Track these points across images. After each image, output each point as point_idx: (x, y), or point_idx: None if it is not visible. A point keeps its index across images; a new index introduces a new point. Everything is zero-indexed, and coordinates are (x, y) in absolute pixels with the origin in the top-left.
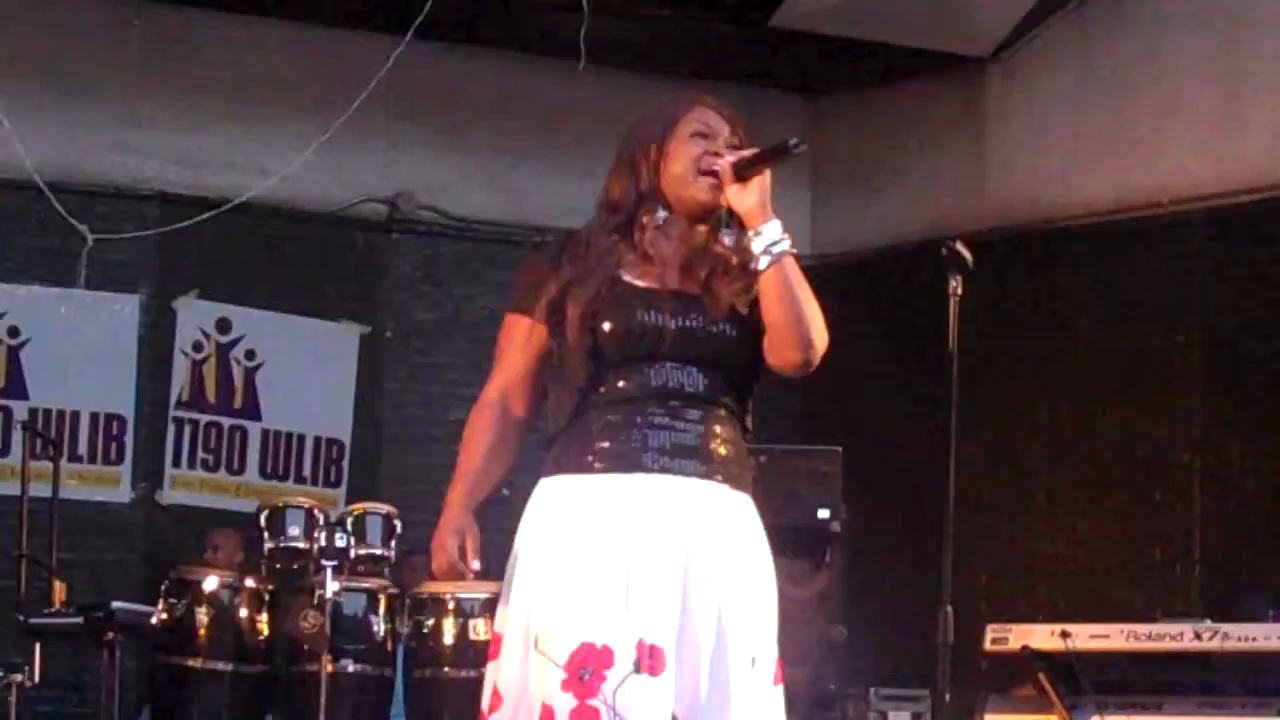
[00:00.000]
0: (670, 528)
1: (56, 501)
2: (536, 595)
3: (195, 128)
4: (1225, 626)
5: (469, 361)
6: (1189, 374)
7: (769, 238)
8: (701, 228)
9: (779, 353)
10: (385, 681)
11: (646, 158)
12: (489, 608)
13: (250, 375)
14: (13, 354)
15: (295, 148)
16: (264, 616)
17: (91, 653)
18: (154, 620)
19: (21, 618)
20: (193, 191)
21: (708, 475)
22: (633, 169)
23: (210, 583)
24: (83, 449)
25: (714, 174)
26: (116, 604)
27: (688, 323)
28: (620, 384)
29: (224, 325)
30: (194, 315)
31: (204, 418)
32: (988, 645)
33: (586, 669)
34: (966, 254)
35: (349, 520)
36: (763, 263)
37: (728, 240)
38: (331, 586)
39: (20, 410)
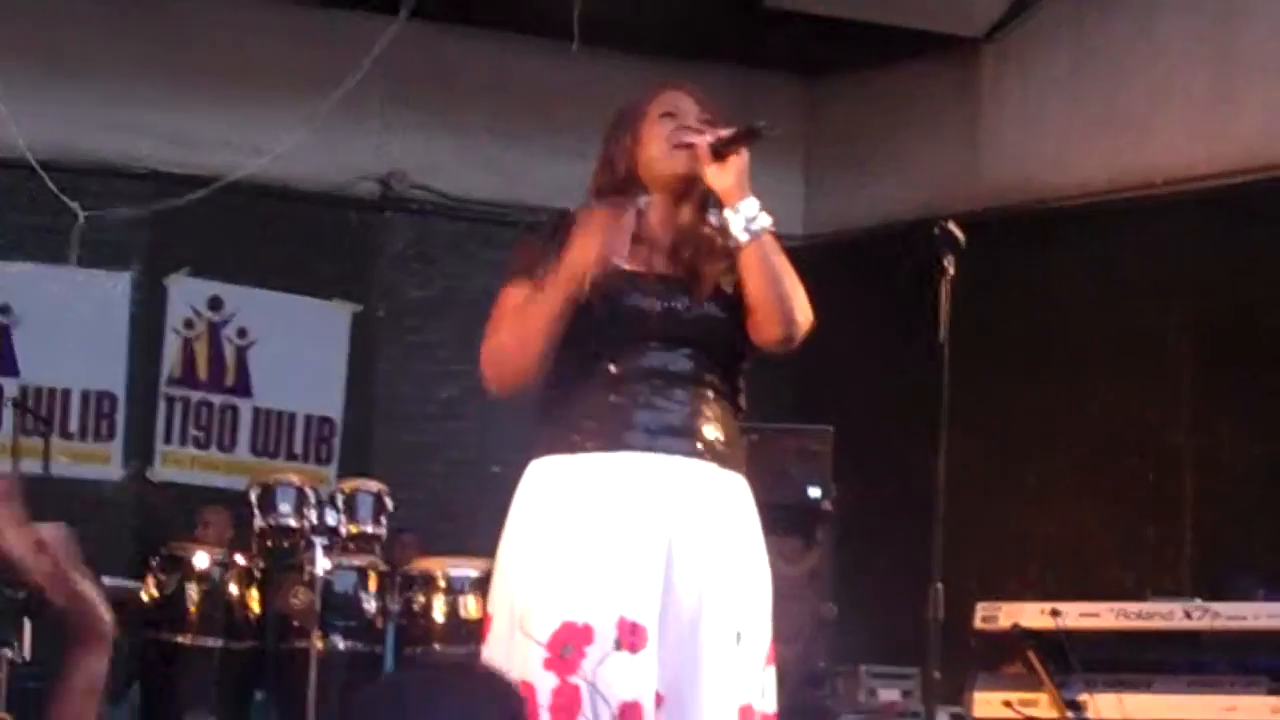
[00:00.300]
0: (653, 506)
1: (48, 478)
2: (521, 576)
3: (188, 106)
4: (1215, 606)
5: (461, 340)
6: (1181, 354)
7: (746, 214)
8: (685, 208)
9: (761, 329)
10: (375, 659)
11: (621, 147)
12: (479, 585)
13: (242, 353)
14: (4, 331)
15: (289, 127)
16: (254, 593)
17: None
18: (144, 597)
19: (11, 593)
20: (185, 170)
21: (695, 454)
22: (611, 161)
23: (201, 560)
24: (74, 426)
25: (687, 146)
26: (107, 580)
27: (673, 305)
28: (608, 366)
29: (215, 303)
30: (185, 293)
31: (195, 395)
32: (978, 623)
33: (568, 647)
34: (959, 234)
35: (340, 498)
36: (742, 239)
37: (714, 220)
38: (322, 564)
39: (11, 387)
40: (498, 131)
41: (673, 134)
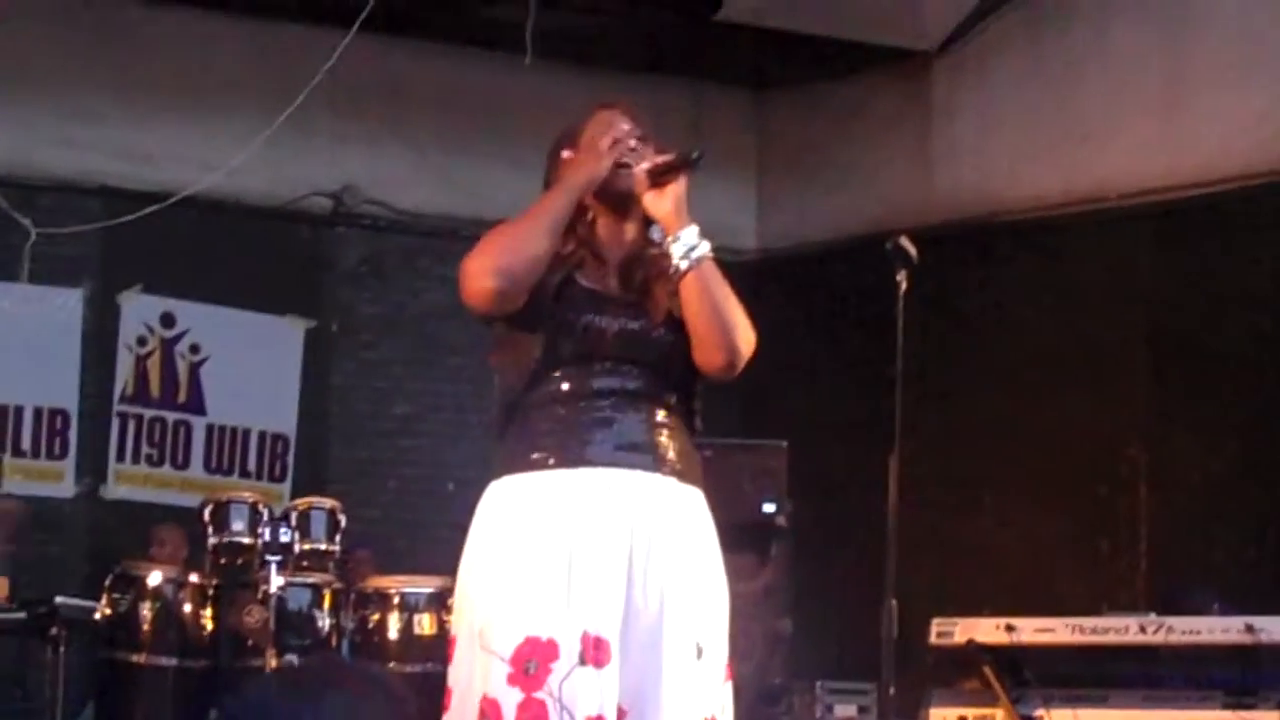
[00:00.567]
0: (614, 520)
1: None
2: (481, 592)
3: (140, 122)
4: (1170, 620)
5: (415, 356)
6: (1135, 367)
7: (686, 243)
8: (630, 225)
9: (703, 356)
10: None
11: (560, 170)
12: (434, 602)
13: (195, 370)
14: None
15: (240, 142)
16: (208, 611)
17: (36, 648)
18: (98, 615)
19: None
20: (137, 185)
21: (655, 468)
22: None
23: (154, 578)
24: (26, 443)
25: (625, 165)
26: (60, 599)
27: (629, 325)
28: (565, 384)
29: (168, 320)
30: (138, 309)
31: (148, 412)
32: (933, 639)
33: (532, 662)
34: (911, 249)
35: (293, 515)
36: (682, 266)
37: (655, 237)
38: (276, 581)
39: None
40: (450, 145)
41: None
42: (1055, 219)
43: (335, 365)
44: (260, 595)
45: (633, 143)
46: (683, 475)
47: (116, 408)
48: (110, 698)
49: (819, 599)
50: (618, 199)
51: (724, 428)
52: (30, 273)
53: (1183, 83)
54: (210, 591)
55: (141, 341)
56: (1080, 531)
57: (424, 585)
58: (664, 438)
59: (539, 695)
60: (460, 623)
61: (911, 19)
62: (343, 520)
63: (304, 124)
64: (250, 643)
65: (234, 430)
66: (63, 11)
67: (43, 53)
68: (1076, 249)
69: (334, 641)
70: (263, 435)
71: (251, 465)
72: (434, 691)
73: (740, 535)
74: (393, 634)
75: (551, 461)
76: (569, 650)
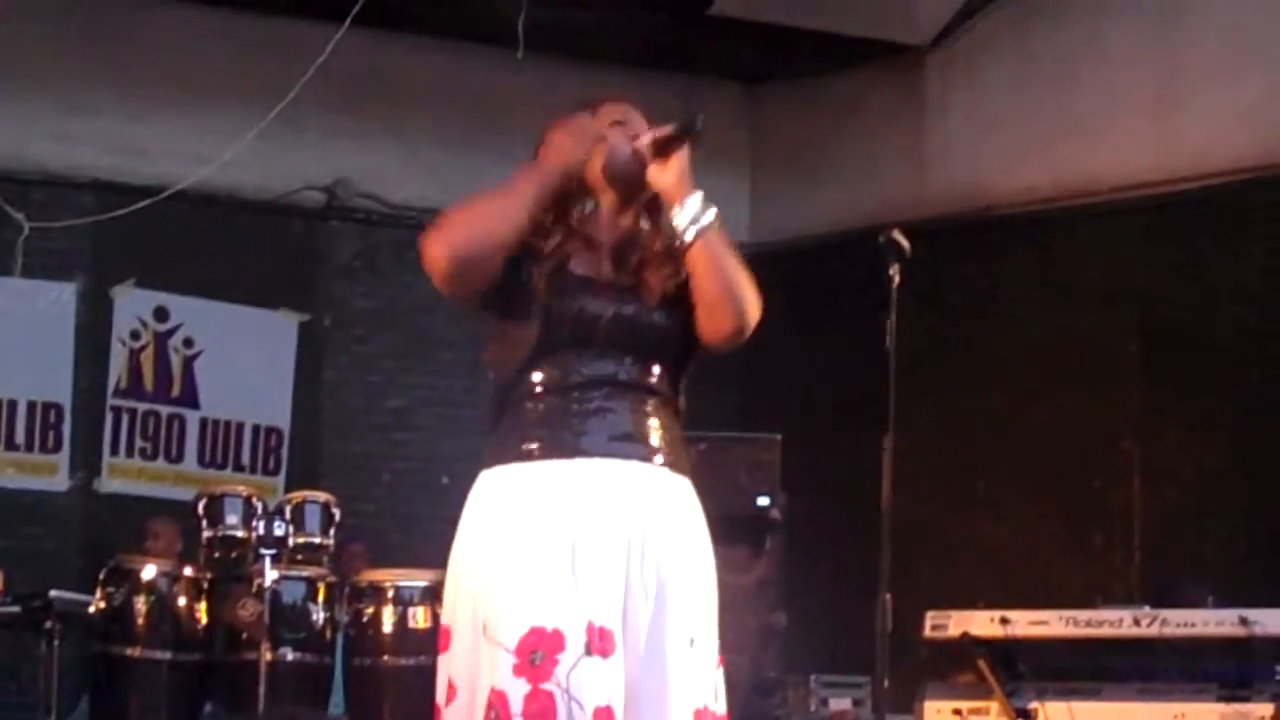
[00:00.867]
0: (613, 510)
1: None
2: (483, 583)
3: (133, 116)
4: (1164, 612)
5: (408, 349)
6: (1128, 361)
7: (691, 211)
8: (627, 214)
9: (712, 324)
10: (325, 670)
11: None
12: (428, 596)
13: (188, 363)
14: None
15: (233, 136)
16: (202, 605)
17: (30, 642)
18: (92, 609)
19: None
20: (130, 180)
21: (648, 458)
22: None
23: (149, 571)
24: (20, 437)
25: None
26: (54, 593)
27: (623, 311)
28: (556, 371)
29: (161, 314)
30: (131, 303)
31: (142, 406)
32: (927, 632)
33: (538, 653)
34: (904, 242)
35: (287, 509)
36: (689, 235)
37: (645, 225)
38: (270, 575)
39: None
40: (443, 139)
41: (624, 141)
42: (1048, 213)
43: (328, 359)
44: (255, 589)
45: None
46: (673, 465)
47: (110, 401)
48: (104, 691)
49: (813, 592)
50: (630, 184)
51: (719, 421)
52: (23, 267)
53: (1174, 77)
54: (204, 585)
55: (135, 335)
56: (1074, 525)
57: (418, 579)
58: (655, 428)
59: (546, 686)
60: (457, 614)
61: (904, 14)
62: (337, 514)
63: (297, 118)
64: (245, 636)
65: (228, 424)
66: (57, 7)
67: (37, 47)
68: (1069, 243)
69: (328, 635)
70: (256, 429)
71: (245, 459)
72: (428, 686)
73: (734, 528)
74: (387, 628)
75: (546, 452)
76: (575, 641)
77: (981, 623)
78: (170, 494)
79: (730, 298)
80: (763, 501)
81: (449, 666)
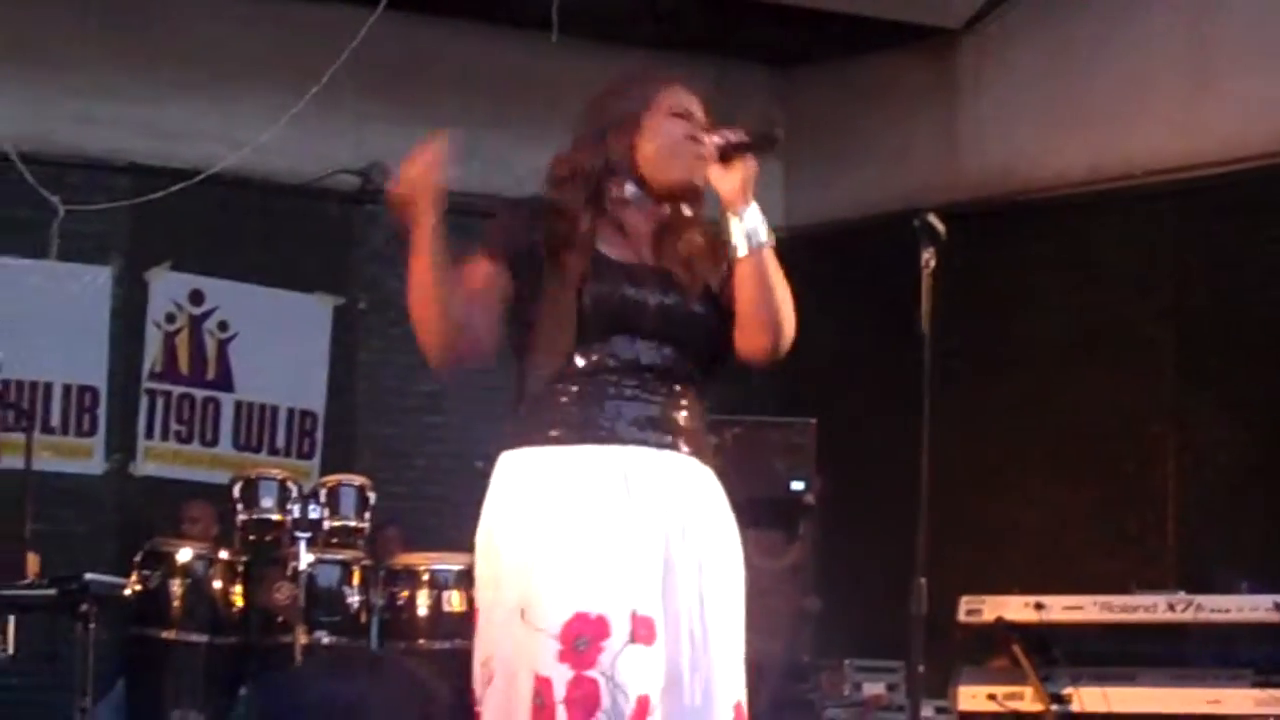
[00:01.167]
0: (651, 499)
1: (29, 473)
2: (523, 567)
3: (166, 99)
4: (1199, 598)
5: None
6: (1161, 345)
7: (749, 225)
8: (667, 204)
9: (748, 338)
10: (360, 653)
11: (621, 131)
12: (463, 579)
13: (223, 347)
14: None
15: (267, 119)
16: (238, 588)
17: (66, 625)
18: (128, 592)
19: None
20: (164, 163)
21: (675, 447)
22: (604, 141)
23: (184, 554)
24: (55, 420)
25: (702, 157)
26: (90, 576)
27: (665, 300)
28: (593, 357)
29: (196, 297)
30: (166, 287)
31: (177, 389)
32: (962, 617)
33: (582, 639)
34: (939, 225)
35: (322, 492)
36: (741, 248)
37: (686, 211)
38: (305, 558)
39: None
40: (475, 122)
41: (690, 142)
42: (1081, 196)
43: (363, 342)
44: (290, 572)
45: (698, 127)
46: (700, 454)
47: (145, 385)
48: (140, 674)
49: (847, 577)
50: (675, 187)
51: (753, 405)
52: (59, 250)
53: (1207, 61)
54: (240, 568)
55: (170, 318)
56: (1108, 509)
57: (453, 562)
58: (684, 417)
59: (590, 674)
60: (491, 597)
61: None
62: (372, 497)
63: (330, 102)
64: (280, 619)
65: (262, 407)
66: None
67: (69, 30)
68: (1102, 226)
69: (363, 619)
70: (291, 412)
71: (280, 442)
72: (464, 669)
73: (768, 512)
74: (422, 611)
75: (575, 437)
76: (620, 628)
77: (1016, 608)
78: (205, 477)
79: (771, 319)
80: (797, 485)
81: (482, 649)
